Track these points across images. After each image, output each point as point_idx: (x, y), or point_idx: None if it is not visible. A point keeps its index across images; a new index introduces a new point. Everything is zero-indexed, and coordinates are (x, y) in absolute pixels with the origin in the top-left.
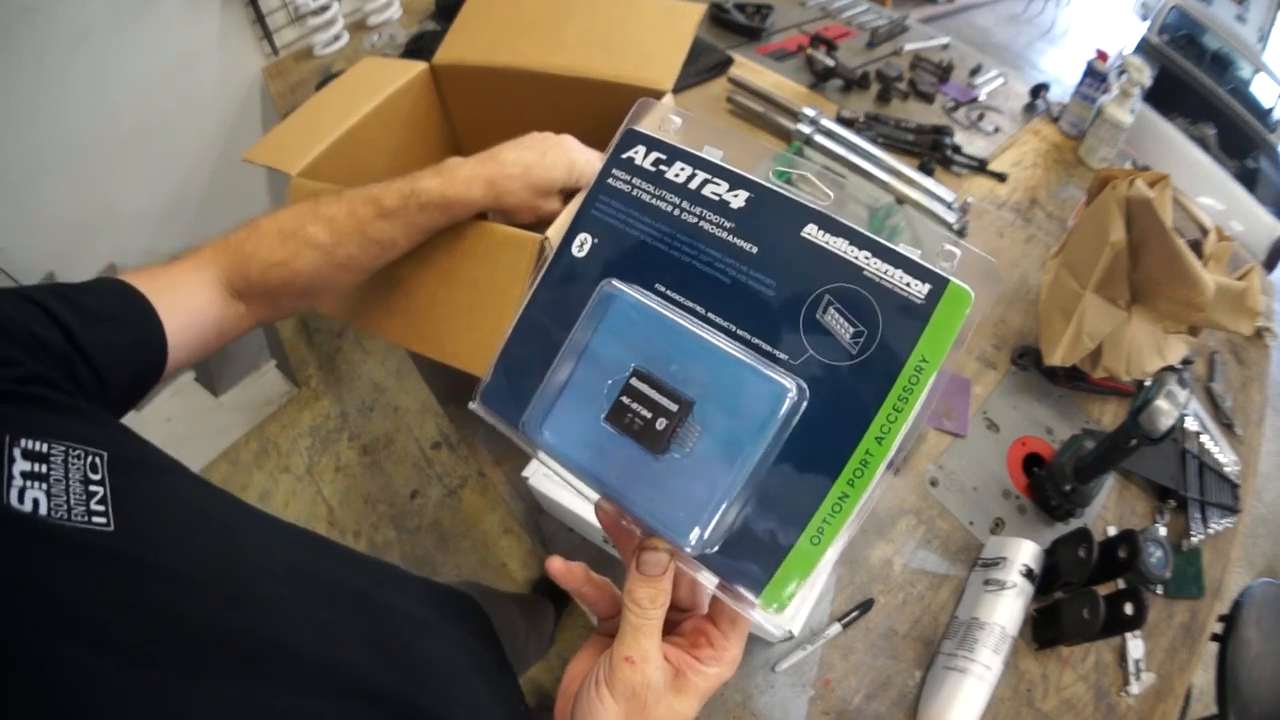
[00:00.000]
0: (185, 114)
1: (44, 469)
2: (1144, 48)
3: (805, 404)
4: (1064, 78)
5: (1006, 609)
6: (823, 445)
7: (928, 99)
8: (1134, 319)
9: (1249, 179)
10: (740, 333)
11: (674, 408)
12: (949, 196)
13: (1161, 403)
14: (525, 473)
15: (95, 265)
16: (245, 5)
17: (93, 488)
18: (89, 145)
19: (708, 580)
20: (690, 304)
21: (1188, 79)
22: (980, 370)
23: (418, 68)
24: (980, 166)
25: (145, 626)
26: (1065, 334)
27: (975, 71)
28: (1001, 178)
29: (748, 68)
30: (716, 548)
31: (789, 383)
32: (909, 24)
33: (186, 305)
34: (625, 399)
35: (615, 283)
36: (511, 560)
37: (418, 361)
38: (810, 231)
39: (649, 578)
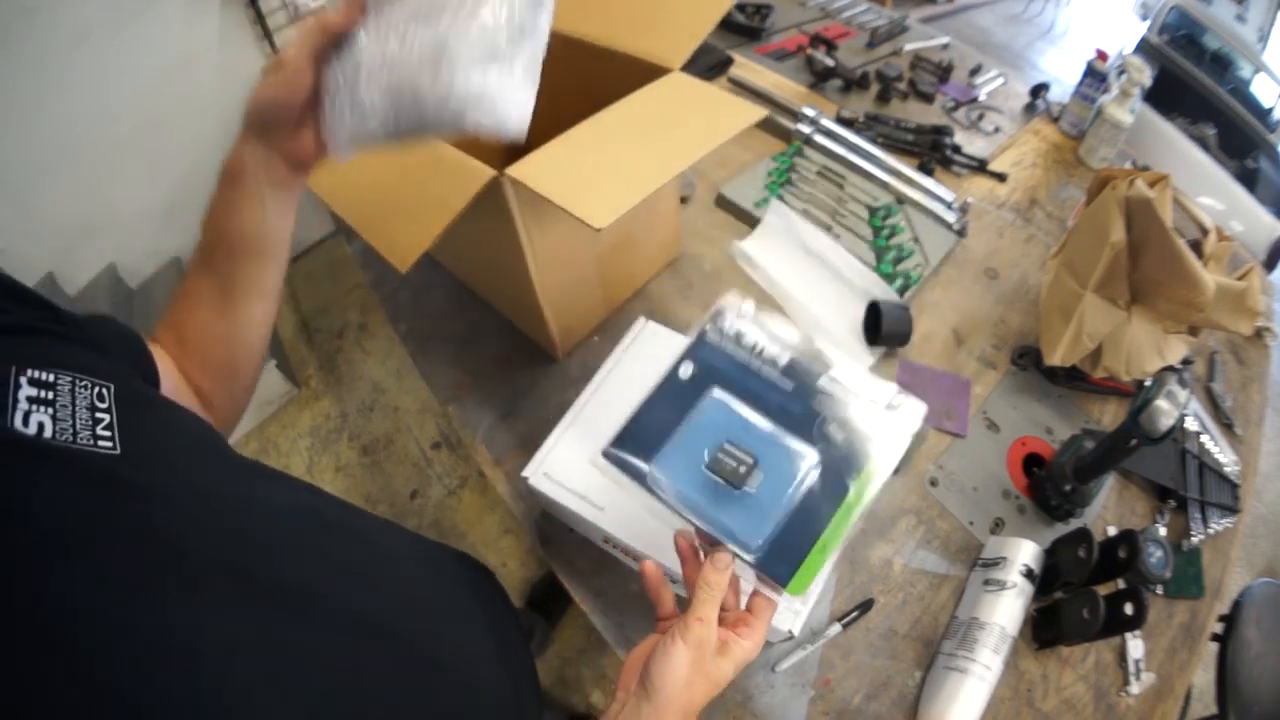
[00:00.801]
0: (185, 114)
1: (50, 395)
2: (1144, 48)
3: (818, 471)
4: (1064, 78)
5: (1006, 609)
6: (826, 496)
7: (928, 99)
8: (1134, 319)
9: (1249, 179)
10: (781, 429)
11: (750, 461)
12: (949, 196)
13: (1161, 403)
14: (525, 472)
15: (95, 265)
16: (245, 5)
17: (99, 414)
18: (89, 145)
19: (752, 575)
20: (753, 410)
21: (1188, 79)
22: (980, 370)
23: None
24: (980, 166)
25: (146, 552)
26: (1065, 334)
27: (975, 71)
28: (1001, 178)
29: (748, 68)
30: (763, 554)
31: (812, 454)
32: (909, 24)
33: (169, 378)
34: (720, 455)
35: (716, 390)
36: (511, 560)
37: (418, 361)
38: (823, 381)
39: (719, 569)
